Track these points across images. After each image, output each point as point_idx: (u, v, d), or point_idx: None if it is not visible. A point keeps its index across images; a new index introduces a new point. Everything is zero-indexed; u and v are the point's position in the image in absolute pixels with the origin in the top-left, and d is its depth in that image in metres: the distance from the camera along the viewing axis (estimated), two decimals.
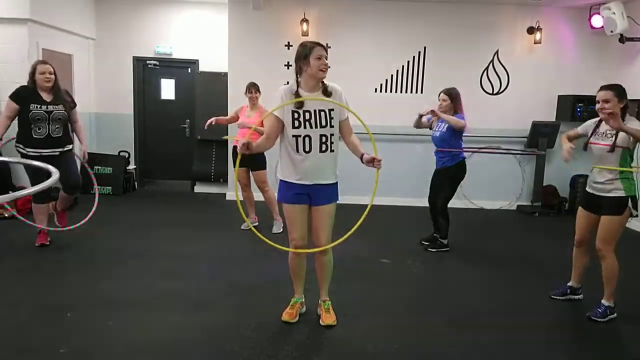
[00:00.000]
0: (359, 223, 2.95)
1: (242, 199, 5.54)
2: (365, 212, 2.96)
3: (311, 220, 3.11)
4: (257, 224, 5.54)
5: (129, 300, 3.50)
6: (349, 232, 2.96)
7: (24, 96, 4.29)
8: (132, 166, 7.75)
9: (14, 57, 5.85)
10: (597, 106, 3.29)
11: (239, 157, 3.02)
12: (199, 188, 7.75)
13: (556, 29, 6.99)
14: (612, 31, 6.21)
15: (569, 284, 3.77)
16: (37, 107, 4.26)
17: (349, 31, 6.94)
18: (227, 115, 5.88)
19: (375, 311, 3.49)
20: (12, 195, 1.98)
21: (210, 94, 7.28)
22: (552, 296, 3.77)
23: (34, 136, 4.29)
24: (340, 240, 3.02)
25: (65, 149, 4.48)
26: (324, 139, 2.96)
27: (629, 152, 3.30)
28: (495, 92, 7.13)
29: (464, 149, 4.83)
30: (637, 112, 5.76)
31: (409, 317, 3.41)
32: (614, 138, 3.26)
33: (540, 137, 6.89)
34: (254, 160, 5.09)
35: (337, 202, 3.14)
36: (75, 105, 4.58)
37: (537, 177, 7.04)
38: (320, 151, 2.96)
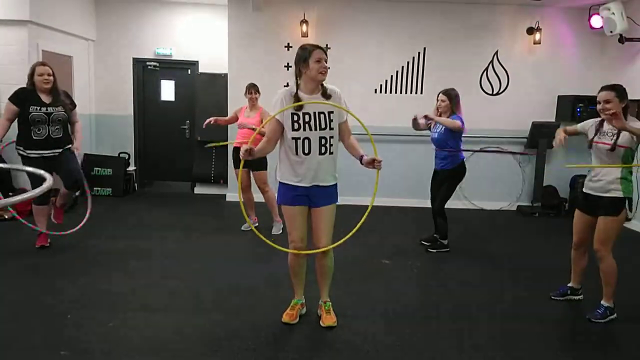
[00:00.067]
0: (359, 224, 2.95)
1: (242, 200, 5.56)
2: (366, 213, 2.96)
3: (311, 222, 3.11)
4: (257, 225, 5.54)
5: (130, 302, 3.50)
6: (350, 234, 2.97)
7: (23, 98, 4.29)
8: (132, 167, 7.75)
9: (14, 58, 5.85)
10: (599, 107, 3.30)
11: (242, 161, 3.05)
12: (199, 189, 7.76)
13: (556, 29, 6.99)
14: (611, 31, 6.22)
15: (569, 284, 3.77)
16: (36, 109, 4.27)
17: (349, 32, 6.94)
18: (226, 116, 5.87)
19: (376, 312, 3.49)
20: (4, 201, 1.97)
21: (210, 95, 7.29)
22: (552, 297, 3.77)
23: (34, 138, 4.29)
24: (341, 241, 3.02)
25: (66, 148, 4.48)
26: (323, 141, 2.96)
27: (630, 151, 3.30)
28: (495, 92, 7.14)
29: (461, 150, 4.82)
30: (637, 112, 5.76)
31: (410, 318, 3.41)
32: (615, 137, 3.26)
33: (540, 138, 6.89)
34: (255, 161, 5.10)
35: (337, 203, 3.14)
36: (74, 106, 4.58)
37: (537, 177, 7.04)
38: (320, 153, 2.97)
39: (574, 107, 6.70)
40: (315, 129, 2.94)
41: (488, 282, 4.19)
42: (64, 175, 4.50)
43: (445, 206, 4.91)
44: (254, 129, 4.85)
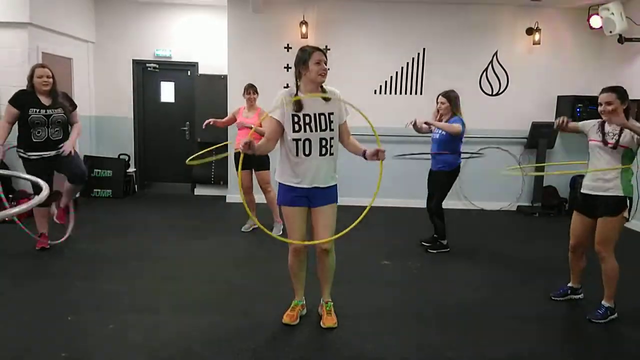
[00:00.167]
0: (361, 217, 2.92)
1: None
2: (369, 206, 2.92)
3: (312, 222, 3.11)
4: (256, 226, 5.53)
5: (130, 303, 3.50)
6: (352, 225, 2.92)
7: (22, 101, 4.28)
8: (132, 169, 7.75)
9: (14, 61, 5.86)
10: (600, 108, 3.30)
11: (241, 159, 3.04)
12: (199, 190, 7.76)
13: (555, 29, 7.00)
14: (611, 31, 6.22)
15: (568, 284, 3.77)
16: (35, 111, 4.26)
17: (348, 33, 6.94)
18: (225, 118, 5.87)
19: (376, 313, 3.49)
20: (4, 213, 2.00)
21: (209, 97, 7.29)
22: (553, 297, 3.77)
23: (34, 140, 4.29)
24: (342, 233, 2.98)
25: None
26: (323, 142, 2.97)
27: (630, 152, 3.30)
28: (494, 93, 7.14)
29: (460, 152, 4.81)
30: (637, 113, 5.76)
31: (410, 319, 3.41)
32: (617, 137, 3.27)
33: (540, 138, 6.90)
34: (257, 161, 5.13)
35: (338, 204, 3.14)
36: (74, 108, 4.55)
37: (537, 177, 7.05)
38: (320, 154, 2.97)
39: (574, 107, 6.71)
40: (316, 130, 2.94)
41: (488, 282, 4.19)
42: (67, 172, 4.49)
43: (445, 206, 4.92)
44: (252, 128, 4.85)
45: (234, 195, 7.11)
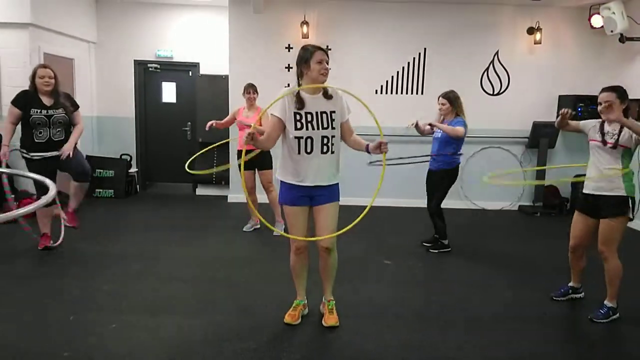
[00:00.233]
0: (363, 213, 2.91)
1: (245, 201, 5.57)
2: (370, 203, 2.91)
3: (314, 221, 3.12)
4: (258, 226, 5.55)
5: (132, 303, 3.51)
6: (355, 221, 2.91)
7: (24, 101, 4.29)
8: (133, 169, 7.77)
9: (16, 61, 5.88)
10: (599, 108, 3.30)
11: (242, 159, 3.08)
12: (200, 190, 7.77)
13: (556, 29, 6.99)
14: (612, 31, 6.21)
15: (569, 284, 3.77)
16: (37, 111, 4.27)
17: (349, 33, 6.95)
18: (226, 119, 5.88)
19: (378, 312, 3.49)
20: (13, 213, 2.02)
21: (211, 97, 7.31)
22: (554, 297, 3.77)
23: (36, 140, 4.30)
24: (346, 229, 2.96)
25: None
26: (325, 140, 2.97)
27: (629, 152, 3.30)
28: (495, 92, 7.14)
29: (459, 154, 4.80)
30: (638, 112, 5.75)
31: (411, 319, 3.42)
32: (616, 137, 3.27)
33: (541, 138, 6.90)
34: (260, 160, 5.14)
35: (339, 203, 3.14)
36: (75, 108, 4.53)
37: (538, 177, 7.04)
38: (322, 152, 2.98)
39: (575, 107, 6.70)
40: (318, 128, 2.95)
41: (489, 282, 4.19)
42: (70, 171, 4.50)
43: (447, 206, 4.92)
44: (252, 126, 4.86)
45: (235, 195, 7.12)
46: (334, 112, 3.00)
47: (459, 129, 4.58)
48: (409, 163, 5.07)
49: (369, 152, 3.03)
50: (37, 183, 4.40)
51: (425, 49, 7.00)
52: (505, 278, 4.29)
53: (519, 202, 7.22)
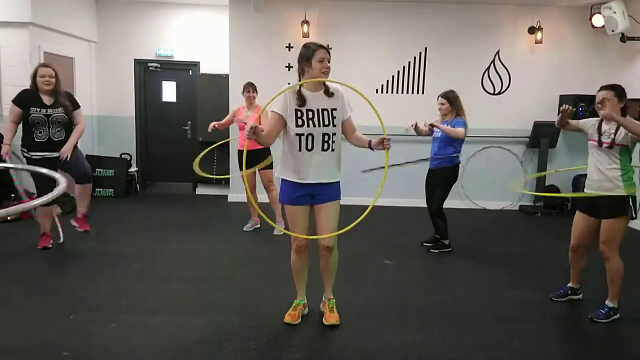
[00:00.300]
0: (365, 213, 2.92)
1: (246, 200, 5.58)
2: (373, 203, 2.92)
3: (315, 219, 3.11)
4: (258, 225, 5.55)
5: (132, 303, 3.50)
6: (357, 221, 2.91)
7: (25, 100, 4.30)
8: (134, 168, 7.76)
9: (16, 60, 5.87)
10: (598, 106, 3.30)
11: (244, 158, 3.08)
12: (200, 190, 7.76)
13: (557, 28, 6.98)
14: (613, 30, 6.21)
15: (568, 285, 3.76)
16: (36, 110, 4.27)
17: (350, 32, 6.94)
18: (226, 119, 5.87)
19: (378, 312, 3.49)
20: (28, 204, 2.04)
21: (211, 96, 7.30)
22: (553, 297, 3.76)
23: (36, 140, 4.30)
24: (347, 228, 2.96)
25: None
26: (326, 137, 2.97)
27: (627, 149, 3.29)
28: (496, 92, 7.13)
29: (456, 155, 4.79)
30: (639, 112, 5.74)
31: (412, 318, 3.41)
32: (613, 136, 3.26)
33: (542, 137, 6.89)
34: (260, 160, 5.13)
35: (340, 203, 3.14)
36: (75, 108, 4.51)
37: (539, 177, 7.03)
38: (322, 150, 2.97)
39: (576, 106, 6.68)
40: (319, 125, 2.94)
41: (490, 282, 4.18)
42: (70, 171, 4.50)
43: (447, 206, 4.91)
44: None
45: (235, 194, 7.11)
46: (335, 109, 2.99)
47: (459, 130, 4.57)
48: (408, 162, 5.08)
49: (371, 149, 3.02)
50: (37, 183, 4.40)
51: (425, 48, 6.99)
52: (505, 278, 4.29)
53: (520, 202, 7.21)
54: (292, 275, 3.31)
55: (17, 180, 4.46)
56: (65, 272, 4.09)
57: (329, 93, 3.01)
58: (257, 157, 5.08)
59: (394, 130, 6.69)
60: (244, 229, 5.51)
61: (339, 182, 3.11)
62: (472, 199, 7.13)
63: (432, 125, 4.73)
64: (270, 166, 5.30)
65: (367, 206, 2.93)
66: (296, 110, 2.94)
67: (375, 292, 3.86)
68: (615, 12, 6.08)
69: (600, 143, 3.32)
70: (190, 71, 7.85)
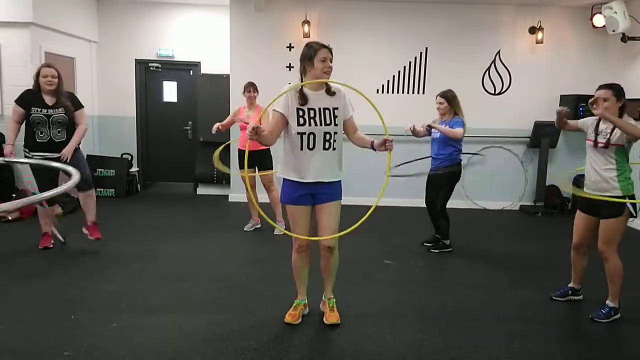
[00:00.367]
0: (368, 214, 2.91)
1: (246, 200, 5.58)
2: (375, 203, 2.91)
3: (316, 219, 3.11)
4: (259, 225, 5.55)
5: (132, 302, 3.51)
6: (359, 222, 2.91)
7: (27, 100, 4.30)
8: (134, 168, 7.77)
9: (17, 60, 5.88)
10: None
11: (246, 158, 3.09)
12: (201, 190, 7.77)
13: (558, 28, 6.98)
14: (614, 30, 6.20)
15: (569, 285, 3.76)
16: (37, 110, 4.27)
17: (351, 32, 6.94)
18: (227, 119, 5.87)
19: (379, 312, 3.49)
20: (39, 196, 2.09)
21: (212, 96, 7.30)
22: (553, 297, 3.76)
23: (38, 140, 4.30)
24: (349, 230, 2.96)
25: None
26: (327, 136, 2.97)
27: (622, 149, 3.29)
28: (497, 92, 7.13)
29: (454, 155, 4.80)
30: (639, 112, 5.73)
31: (412, 318, 3.41)
32: (608, 135, 3.26)
33: (543, 137, 6.88)
34: (260, 161, 5.14)
35: (342, 203, 3.14)
36: (76, 108, 4.47)
37: (540, 177, 7.03)
38: (324, 149, 2.98)
39: (577, 106, 6.68)
40: (320, 124, 2.94)
41: (491, 282, 4.18)
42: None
43: (448, 206, 4.90)
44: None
45: (236, 194, 7.12)
46: (336, 108, 3.00)
47: (458, 131, 4.57)
48: (411, 175, 5.11)
49: (374, 149, 3.02)
50: (38, 184, 4.41)
51: (426, 48, 6.99)
52: (506, 278, 4.29)
53: (520, 202, 7.21)
54: (292, 275, 3.31)
55: (27, 176, 4.46)
56: (66, 272, 4.09)
57: (330, 92, 3.01)
58: (258, 158, 5.09)
59: (395, 131, 6.71)
60: (245, 229, 5.51)
61: (340, 181, 3.11)
62: (472, 199, 7.12)
63: (429, 127, 4.73)
64: (269, 167, 5.29)
65: (369, 206, 2.92)
66: (298, 109, 2.94)
67: (375, 292, 3.86)
68: (616, 12, 6.08)
69: (595, 143, 3.32)
70: (191, 71, 7.86)
